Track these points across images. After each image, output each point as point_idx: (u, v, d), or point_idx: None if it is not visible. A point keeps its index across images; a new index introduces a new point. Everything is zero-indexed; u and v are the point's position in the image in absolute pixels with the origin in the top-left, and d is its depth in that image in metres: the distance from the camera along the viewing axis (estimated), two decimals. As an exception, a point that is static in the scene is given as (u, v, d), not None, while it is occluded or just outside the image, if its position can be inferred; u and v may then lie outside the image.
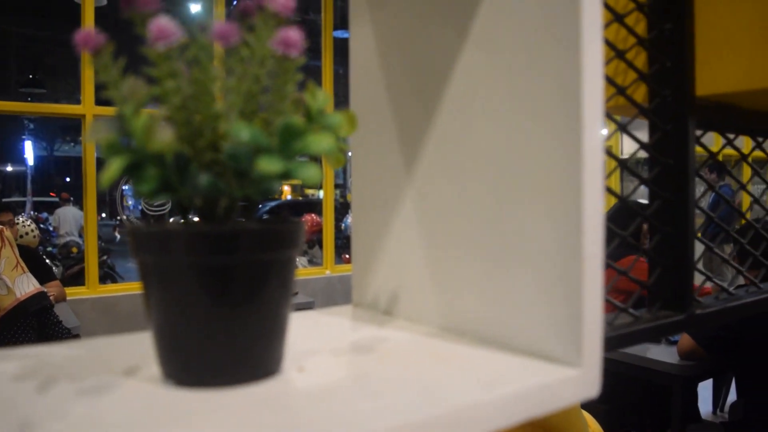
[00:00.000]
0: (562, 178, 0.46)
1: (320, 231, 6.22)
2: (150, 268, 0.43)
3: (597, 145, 0.45)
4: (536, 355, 0.49)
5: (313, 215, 6.63)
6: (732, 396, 3.56)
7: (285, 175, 0.38)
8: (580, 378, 0.45)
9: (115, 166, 0.36)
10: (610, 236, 0.58)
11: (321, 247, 6.17)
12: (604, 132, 0.46)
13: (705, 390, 3.69)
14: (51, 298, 3.45)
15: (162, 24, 0.37)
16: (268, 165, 0.37)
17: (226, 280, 0.42)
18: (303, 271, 5.99)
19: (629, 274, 0.77)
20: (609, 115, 0.74)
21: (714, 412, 4.26)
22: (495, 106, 0.51)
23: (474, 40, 0.53)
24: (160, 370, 0.45)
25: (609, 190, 0.65)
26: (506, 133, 0.51)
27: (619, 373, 2.99)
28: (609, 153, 0.68)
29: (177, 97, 0.39)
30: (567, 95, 0.45)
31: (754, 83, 0.73)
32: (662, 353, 2.95)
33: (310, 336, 0.57)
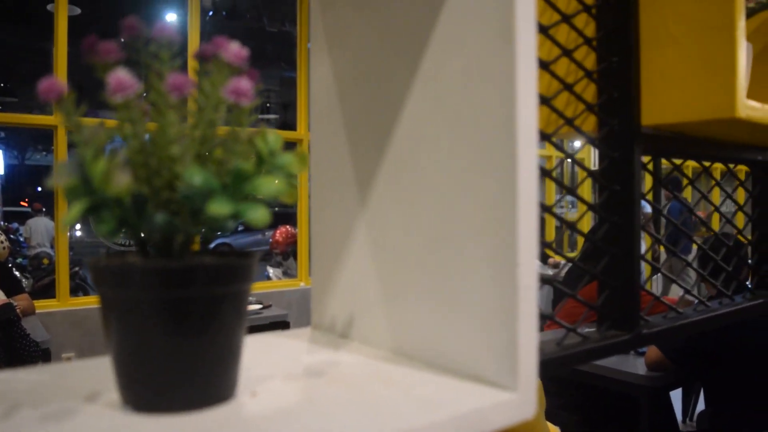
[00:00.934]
0: (498, 213, 0.49)
1: (295, 243, 6.22)
2: (109, 300, 0.46)
3: (531, 183, 0.48)
4: (477, 380, 0.52)
5: (288, 227, 6.63)
6: (701, 405, 3.63)
7: (235, 216, 0.41)
8: (515, 401, 0.48)
9: (75, 210, 0.39)
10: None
11: (296, 258, 6.17)
12: (537, 173, 0.49)
13: (674, 399, 3.75)
14: (18, 311, 3.41)
15: (120, 77, 0.40)
16: (218, 208, 0.40)
17: (181, 313, 0.45)
18: (278, 283, 5.99)
19: (588, 295, 0.81)
20: (558, 145, 0.78)
21: (683, 421, 4.33)
22: (439, 143, 0.55)
23: (422, 80, 0.57)
24: (120, 397, 0.47)
25: (556, 215, 0.68)
26: (449, 170, 0.54)
27: (589, 385, 3.04)
28: (581, 165, 0.70)
29: (135, 142, 0.42)
30: (503, 135, 0.49)
31: (695, 115, 0.77)
32: (631, 364, 3.00)
33: (267, 360, 0.60)
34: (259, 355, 0.61)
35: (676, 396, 4.01)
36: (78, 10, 7.26)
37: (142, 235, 0.45)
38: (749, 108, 0.76)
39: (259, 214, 0.41)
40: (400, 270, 0.60)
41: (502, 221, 0.49)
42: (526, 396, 0.49)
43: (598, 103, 0.82)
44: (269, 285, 5.91)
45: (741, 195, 1.23)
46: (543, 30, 0.75)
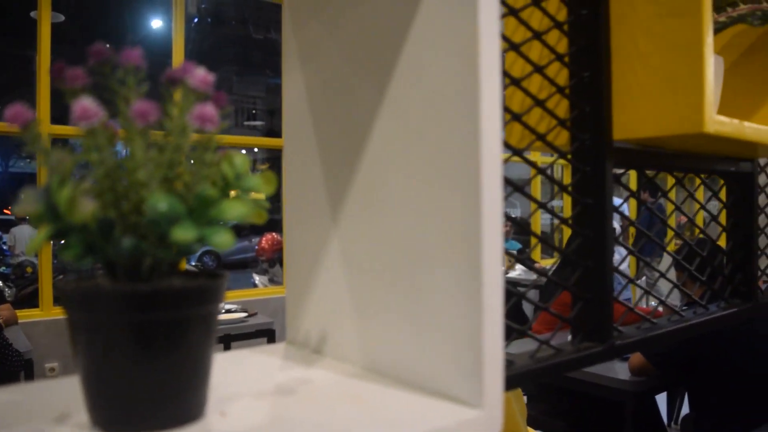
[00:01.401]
0: (463, 234, 0.50)
1: (281, 250, 6.22)
2: (77, 322, 0.46)
3: (495, 205, 0.49)
4: (445, 397, 0.52)
5: (274, 234, 6.63)
6: (686, 409, 3.66)
7: (200, 241, 0.41)
8: (481, 418, 0.49)
9: (41, 236, 0.39)
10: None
11: (282, 265, 6.17)
12: (501, 195, 0.50)
13: (661, 403, 3.77)
14: (0, 320, 3.39)
15: (84, 105, 0.40)
16: (182, 233, 0.40)
17: (148, 335, 0.45)
18: (263, 290, 5.98)
19: (563, 304, 0.82)
20: (530, 162, 0.79)
21: (668, 424, 4.35)
22: (408, 163, 0.56)
23: (390, 101, 0.57)
24: (89, 418, 0.48)
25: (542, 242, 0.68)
26: (417, 190, 0.55)
27: (575, 390, 3.06)
28: (552, 179, 0.71)
29: (101, 168, 0.42)
30: (468, 157, 0.49)
31: (664, 130, 0.79)
32: (615, 369, 3.02)
33: (239, 378, 0.60)
34: (231, 373, 0.62)
35: (662, 399, 4.04)
36: (62, 17, 7.23)
37: (111, 257, 0.46)
38: (717, 123, 0.77)
39: (223, 239, 0.41)
40: (371, 287, 0.61)
41: (467, 241, 0.50)
42: (491, 413, 0.50)
43: (570, 117, 0.83)
44: (255, 293, 5.89)
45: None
46: (515, 47, 0.76)
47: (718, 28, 1.00)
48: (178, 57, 5.14)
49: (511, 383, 0.72)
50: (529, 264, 0.81)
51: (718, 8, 1.03)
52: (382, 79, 0.58)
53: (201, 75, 0.44)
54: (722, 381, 2.71)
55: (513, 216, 0.81)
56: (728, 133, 0.80)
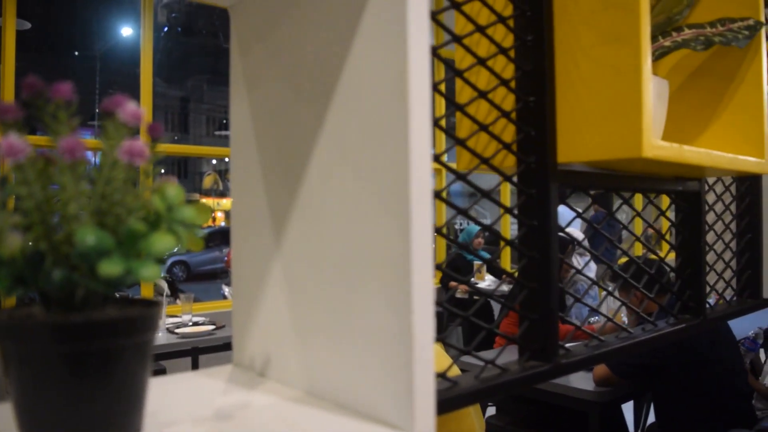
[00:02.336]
0: (395, 263, 0.51)
1: (251, 260, 6.18)
2: (10, 353, 0.46)
3: (425, 234, 0.50)
4: (380, 422, 0.53)
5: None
6: (653, 417, 3.70)
7: (127, 275, 0.42)
8: (412, 444, 0.50)
9: (-35, 270, 0.40)
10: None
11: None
12: (431, 224, 0.51)
13: (628, 412, 3.81)
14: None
15: (11, 141, 0.41)
16: (109, 268, 0.41)
17: (82, 365, 0.45)
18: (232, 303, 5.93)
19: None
20: (475, 186, 0.80)
21: (636, 432, 4.40)
22: (344, 191, 0.57)
23: (328, 129, 0.59)
24: (21, 447, 0.48)
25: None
26: (352, 216, 0.56)
27: (541, 401, 3.09)
28: (497, 203, 0.71)
29: (30, 202, 0.43)
30: (399, 187, 0.51)
31: (605, 154, 0.81)
32: (580, 380, 3.05)
33: (179, 403, 0.61)
34: (174, 397, 0.62)
35: (628, 408, 4.08)
36: (27, 25, 7.14)
37: (43, 289, 0.46)
38: (656, 147, 0.79)
39: (150, 272, 0.42)
40: (311, 311, 0.62)
41: (399, 270, 0.51)
42: (422, 439, 0.51)
43: (515, 141, 0.85)
44: (224, 304, 5.85)
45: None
46: (458, 73, 0.78)
47: (664, 53, 1.03)
48: (146, 66, 5.10)
49: (455, 404, 0.73)
50: (468, 284, 0.82)
51: (664, 33, 1.06)
52: (321, 107, 0.59)
53: (132, 109, 0.45)
54: (686, 389, 2.75)
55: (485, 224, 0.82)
56: (667, 157, 0.82)
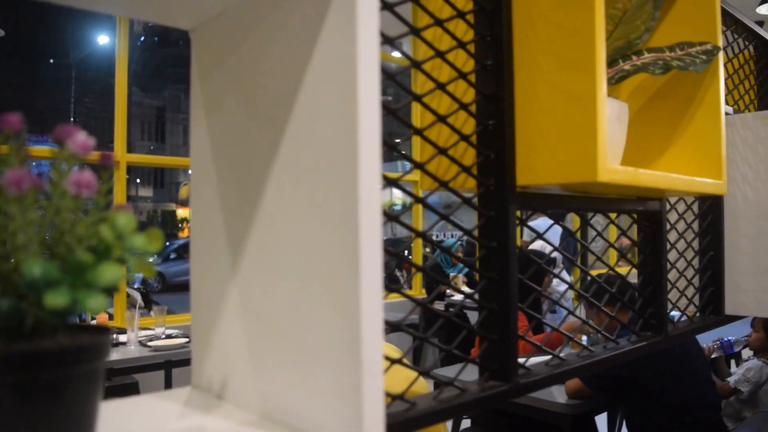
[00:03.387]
0: (344, 290, 0.52)
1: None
2: (-44, 383, 0.46)
3: (374, 264, 0.51)
4: (330, 447, 0.54)
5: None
6: (625, 430, 3.73)
7: (73, 306, 0.42)
8: (361, 470, 0.51)
9: None
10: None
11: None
12: (380, 253, 0.52)
13: (600, 423, 3.83)
14: None
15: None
16: (54, 299, 0.41)
17: (30, 394, 0.46)
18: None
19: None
20: (431, 207, 0.81)
21: (608, 445, 4.43)
22: (297, 217, 0.57)
23: (282, 157, 0.59)
24: (-33, 477, 0.48)
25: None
26: (305, 245, 0.56)
27: (514, 414, 3.11)
28: (456, 224, 0.72)
29: (-24, 232, 0.43)
30: (348, 215, 0.51)
31: (562, 178, 0.82)
32: (552, 392, 3.07)
33: (135, 427, 0.61)
34: (129, 421, 0.62)
35: (602, 420, 4.11)
36: (1, 33, 7.08)
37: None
38: (611, 172, 0.81)
39: (97, 304, 0.42)
40: (266, 335, 0.62)
41: (348, 298, 0.52)
42: (371, 464, 0.51)
43: (476, 163, 0.86)
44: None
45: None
46: (417, 98, 0.79)
47: (623, 76, 1.05)
48: (121, 75, 5.08)
49: (412, 425, 0.74)
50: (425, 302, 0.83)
51: (624, 56, 1.08)
52: (276, 133, 0.60)
53: (81, 140, 0.46)
54: (657, 401, 2.79)
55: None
56: (623, 181, 0.84)
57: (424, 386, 1.56)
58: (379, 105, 0.53)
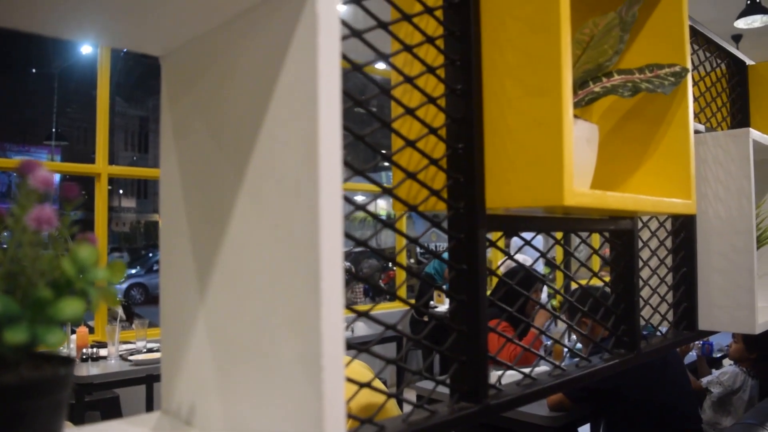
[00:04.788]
0: (306, 318, 0.53)
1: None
2: None
3: (335, 293, 0.52)
4: (293, 476, 0.54)
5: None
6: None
7: (33, 342, 0.43)
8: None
9: None
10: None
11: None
12: (341, 282, 0.53)
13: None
14: None
15: None
16: (14, 335, 0.41)
17: (-12, 428, 0.46)
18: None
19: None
20: (407, 236, 0.82)
21: (592, 456, 4.44)
22: (262, 244, 0.58)
23: (247, 187, 0.60)
24: None
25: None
26: (270, 273, 0.57)
27: (496, 426, 3.11)
28: (425, 248, 0.72)
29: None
30: (310, 246, 0.52)
31: (530, 202, 0.83)
32: (534, 405, 3.08)
33: (99, 456, 0.61)
34: (93, 450, 0.62)
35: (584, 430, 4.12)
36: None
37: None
38: (578, 195, 0.82)
39: (56, 339, 0.43)
40: (232, 361, 0.63)
41: (309, 324, 0.52)
42: (332, 494, 0.52)
43: (445, 187, 0.87)
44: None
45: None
46: (386, 124, 0.80)
47: (593, 98, 1.07)
48: (103, 87, 5.06)
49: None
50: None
51: (594, 78, 1.10)
52: (241, 162, 0.61)
53: (42, 175, 0.46)
54: (638, 412, 2.80)
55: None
56: (590, 204, 0.85)
57: (390, 410, 1.57)
58: (340, 135, 0.54)
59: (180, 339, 0.71)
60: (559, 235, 1.15)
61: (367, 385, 0.73)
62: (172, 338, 0.73)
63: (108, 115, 5.13)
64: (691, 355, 4.09)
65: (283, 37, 0.56)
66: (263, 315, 0.58)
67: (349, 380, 0.69)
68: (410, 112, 0.82)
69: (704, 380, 3.63)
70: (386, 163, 0.86)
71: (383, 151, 0.79)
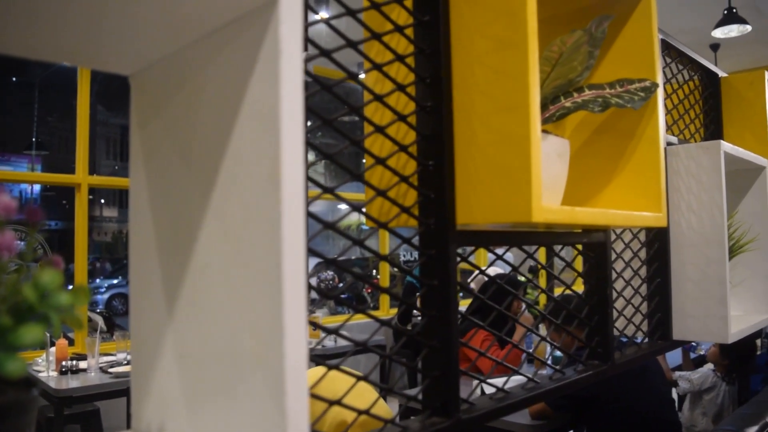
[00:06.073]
0: (271, 344, 0.53)
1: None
2: None
3: (299, 315, 0.52)
4: (258, 497, 0.55)
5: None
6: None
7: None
8: None
9: None
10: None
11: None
12: (304, 305, 0.53)
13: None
14: None
15: None
16: (-30, 364, 0.42)
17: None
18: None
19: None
20: (376, 253, 0.83)
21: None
22: (227, 266, 0.58)
23: (213, 208, 0.60)
24: None
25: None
26: (234, 295, 0.57)
27: (477, 435, 3.11)
28: (395, 264, 0.72)
29: None
30: (272, 265, 0.53)
31: (499, 218, 0.84)
32: (515, 414, 3.09)
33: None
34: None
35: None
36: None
37: None
38: (546, 211, 0.83)
39: (15, 367, 0.43)
40: (199, 380, 0.63)
41: (273, 350, 0.53)
42: None
43: (417, 202, 0.88)
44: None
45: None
46: (356, 143, 0.80)
47: (564, 113, 1.08)
48: (83, 96, 5.04)
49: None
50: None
51: (566, 93, 1.11)
52: (207, 184, 0.61)
53: (3, 201, 0.46)
54: (620, 419, 2.82)
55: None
56: (558, 220, 0.86)
57: (386, 409, 1.57)
58: (304, 156, 0.54)
59: (149, 359, 0.71)
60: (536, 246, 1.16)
61: (337, 402, 0.74)
62: (142, 358, 0.73)
63: (88, 126, 5.10)
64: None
65: (248, 60, 0.57)
66: (228, 337, 0.58)
67: (320, 398, 0.70)
68: (380, 130, 0.83)
69: (677, 373, 3.71)
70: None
71: (359, 167, 0.80)
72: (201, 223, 0.62)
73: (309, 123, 0.76)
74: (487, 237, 0.96)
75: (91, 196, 5.30)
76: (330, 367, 0.74)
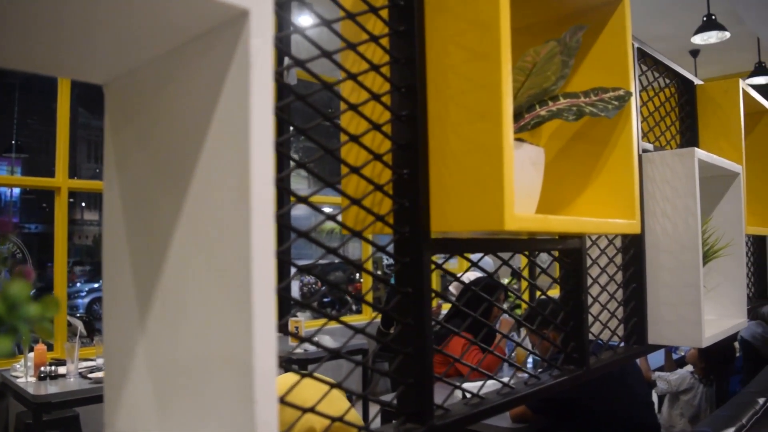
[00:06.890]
0: (241, 356, 0.53)
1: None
2: None
3: (269, 328, 0.53)
4: (228, 507, 0.55)
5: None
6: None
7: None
8: None
9: None
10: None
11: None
12: (274, 316, 0.54)
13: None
14: None
15: None
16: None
17: None
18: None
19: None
20: (348, 259, 0.83)
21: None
22: (197, 277, 0.59)
23: (185, 218, 0.61)
24: None
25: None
26: (205, 307, 0.58)
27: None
28: (368, 272, 0.73)
29: None
30: (243, 279, 0.53)
31: (472, 226, 0.85)
32: (496, 417, 3.10)
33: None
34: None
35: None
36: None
37: None
38: (519, 220, 0.84)
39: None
40: (170, 392, 0.63)
41: (242, 361, 0.53)
42: None
43: (392, 210, 0.89)
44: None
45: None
46: (329, 152, 0.81)
47: (539, 122, 1.09)
48: (63, 99, 5.00)
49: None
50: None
51: (541, 102, 1.13)
52: (179, 195, 0.61)
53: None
54: (600, 422, 2.84)
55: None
56: (531, 228, 0.87)
57: (357, 417, 1.58)
58: (272, 166, 0.55)
59: (122, 367, 0.71)
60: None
61: (311, 410, 0.74)
62: (115, 366, 0.73)
63: (68, 129, 5.06)
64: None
65: (220, 71, 0.57)
66: (199, 348, 0.59)
67: (290, 405, 0.70)
68: (355, 139, 0.83)
69: (656, 374, 3.75)
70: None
71: (339, 171, 0.80)
72: (173, 231, 0.62)
73: (291, 129, 0.76)
74: (462, 244, 0.97)
75: (72, 199, 5.26)
76: (303, 375, 0.74)
